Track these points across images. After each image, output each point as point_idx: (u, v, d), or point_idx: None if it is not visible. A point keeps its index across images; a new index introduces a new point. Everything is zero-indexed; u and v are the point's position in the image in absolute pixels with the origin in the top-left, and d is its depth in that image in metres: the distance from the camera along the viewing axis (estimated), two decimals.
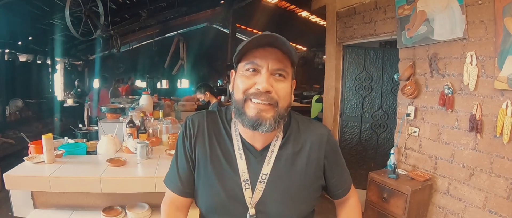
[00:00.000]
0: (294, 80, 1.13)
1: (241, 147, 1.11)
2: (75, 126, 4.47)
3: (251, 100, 1.01)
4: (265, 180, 1.08)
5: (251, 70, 1.02)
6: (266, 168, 1.09)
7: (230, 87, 1.17)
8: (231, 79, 1.14)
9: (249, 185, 1.07)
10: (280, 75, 1.03)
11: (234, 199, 1.08)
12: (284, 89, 1.03)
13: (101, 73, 9.38)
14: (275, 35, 0.98)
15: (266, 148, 1.11)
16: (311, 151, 1.13)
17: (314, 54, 15.00)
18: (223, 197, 1.08)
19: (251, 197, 1.07)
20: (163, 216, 1.17)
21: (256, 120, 1.00)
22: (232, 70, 1.14)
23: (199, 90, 4.94)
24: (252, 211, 1.07)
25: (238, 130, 1.13)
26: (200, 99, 5.00)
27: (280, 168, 1.10)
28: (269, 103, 1.00)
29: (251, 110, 1.01)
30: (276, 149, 1.11)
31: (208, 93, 4.91)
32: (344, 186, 1.24)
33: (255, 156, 1.11)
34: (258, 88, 1.00)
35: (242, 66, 1.05)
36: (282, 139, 1.13)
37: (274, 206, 1.08)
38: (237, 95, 1.05)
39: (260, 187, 1.08)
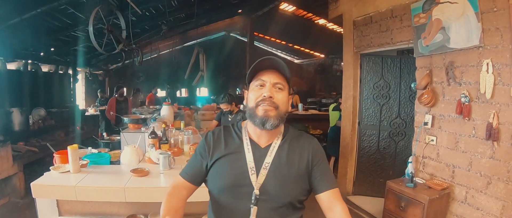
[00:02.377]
0: (290, 95, 1.51)
1: (249, 143, 1.47)
2: (96, 134, 4.56)
3: (260, 106, 1.39)
4: (268, 167, 1.42)
5: (259, 86, 1.43)
6: (268, 158, 1.44)
7: (244, 102, 1.57)
8: (245, 96, 1.54)
9: (254, 171, 1.41)
10: (279, 88, 1.43)
11: (243, 182, 1.40)
12: (282, 97, 1.43)
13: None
14: (275, 59, 1.42)
15: (269, 146, 1.48)
16: (302, 151, 1.48)
17: (332, 61, 14.94)
18: (233, 180, 1.41)
19: (256, 180, 1.39)
20: (170, 187, 1.49)
21: (264, 117, 1.38)
22: (245, 90, 1.55)
23: (225, 101, 4.92)
24: (257, 191, 1.38)
25: (247, 132, 1.50)
26: (226, 110, 5.01)
27: (279, 160, 1.44)
28: (272, 106, 1.38)
29: (260, 111, 1.39)
30: (276, 146, 1.47)
31: (234, 104, 5.03)
32: (327, 182, 1.47)
33: (259, 151, 1.46)
34: (264, 96, 1.39)
35: (253, 84, 1.46)
36: (281, 140, 1.50)
37: (273, 188, 1.39)
38: (251, 104, 1.44)
39: (264, 172, 1.41)
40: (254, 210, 1.37)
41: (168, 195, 1.41)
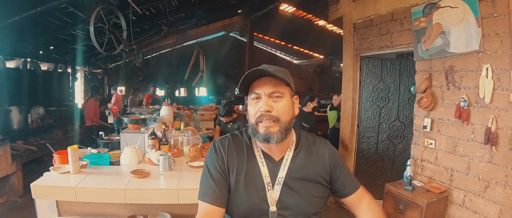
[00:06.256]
0: (296, 96, 1.39)
1: (262, 156, 1.37)
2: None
3: (261, 122, 1.28)
4: (281, 182, 1.33)
5: (255, 99, 1.31)
6: (282, 173, 1.35)
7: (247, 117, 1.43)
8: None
9: (271, 187, 1.33)
10: (277, 96, 1.29)
11: (260, 199, 1.32)
12: (282, 106, 1.29)
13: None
14: (266, 68, 1.27)
15: (282, 158, 1.38)
16: (318, 159, 1.41)
17: (331, 63, 14.99)
18: (253, 198, 1.32)
19: (271, 196, 1.32)
20: None
21: (266, 135, 1.27)
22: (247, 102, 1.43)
23: (225, 115, 5.08)
24: (272, 208, 1.31)
25: (258, 144, 1.39)
26: (227, 121, 5.16)
27: (294, 173, 1.35)
28: (272, 121, 1.27)
29: (261, 128, 1.28)
30: (289, 159, 1.38)
31: (235, 114, 5.21)
32: (351, 186, 1.45)
33: (274, 164, 1.36)
34: (261, 111, 1.27)
35: (249, 98, 1.34)
36: (294, 150, 1.40)
37: (291, 202, 1.33)
38: (251, 120, 1.33)
39: (278, 188, 1.33)
40: None
41: None
